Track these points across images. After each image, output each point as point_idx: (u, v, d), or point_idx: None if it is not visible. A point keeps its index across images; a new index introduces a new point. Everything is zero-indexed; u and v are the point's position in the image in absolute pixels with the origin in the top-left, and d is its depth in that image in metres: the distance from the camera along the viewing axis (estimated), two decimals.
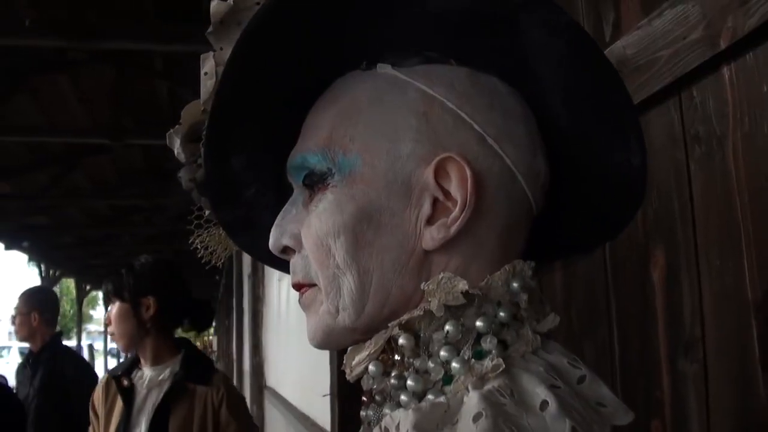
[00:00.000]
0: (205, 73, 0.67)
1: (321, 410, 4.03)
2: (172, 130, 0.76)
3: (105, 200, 13.92)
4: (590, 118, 0.64)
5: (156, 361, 2.30)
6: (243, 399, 2.53)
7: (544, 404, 0.53)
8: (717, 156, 0.93)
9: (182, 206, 16.29)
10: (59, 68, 7.69)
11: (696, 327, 0.97)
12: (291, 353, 5.99)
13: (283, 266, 0.75)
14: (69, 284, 28.84)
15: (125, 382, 2.29)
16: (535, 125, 0.64)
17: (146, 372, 2.30)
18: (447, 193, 0.59)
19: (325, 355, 3.31)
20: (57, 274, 19.95)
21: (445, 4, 0.60)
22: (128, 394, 2.26)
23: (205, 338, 38.37)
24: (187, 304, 2.43)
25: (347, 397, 2.96)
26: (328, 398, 3.26)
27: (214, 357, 31.70)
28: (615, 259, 1.17)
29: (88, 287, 22.95)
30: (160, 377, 2.28)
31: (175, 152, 0.78)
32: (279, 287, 6.94)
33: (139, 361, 2.34)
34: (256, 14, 0.58)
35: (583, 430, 0.53)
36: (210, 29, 0.65)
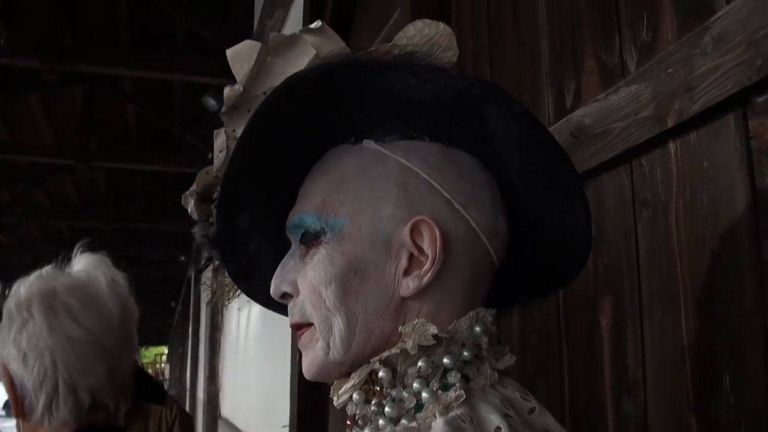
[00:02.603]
0: (221, 152, 0.77)
1: None
2: (187, 192, 0.85)
3: (65, 221, 13.81)
4: (543, 186, 0.76)
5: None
6: (192, 418, 2.64)
7: (498, 430, 0.64)
8: (661, 220, 1.05)
9: (141, 232, 16.15)
10: (30, 88, 7.70)
11: (638, 370, 1.08)
12: (248, 384, 5.96)
13: (278, 308, 0.86)
14: None
15: None
16: (498, 192, 0.76)
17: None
18: (420, 249, 0.70)
19: (285, 386, 3.36)
20: None
21: (419, 96, 0.72)
22: None
23: (158, 366, 37.72)
24: None
25: (305, 429, 3.02)
26: (286, 430, 3.31)
27: (166, 385, 31.17)
28: (567, 306, 1.28)
29: None
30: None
31: (189, 211, 0.87)
32: (239, 317, 6.92)
33: None
34: (263, 102, 0.69)
35: None
36: (224, 110, 0.75)
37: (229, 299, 0.93)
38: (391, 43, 0.74)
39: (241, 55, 0.73)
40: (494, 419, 0.65)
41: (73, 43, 6.56)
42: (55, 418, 1.17)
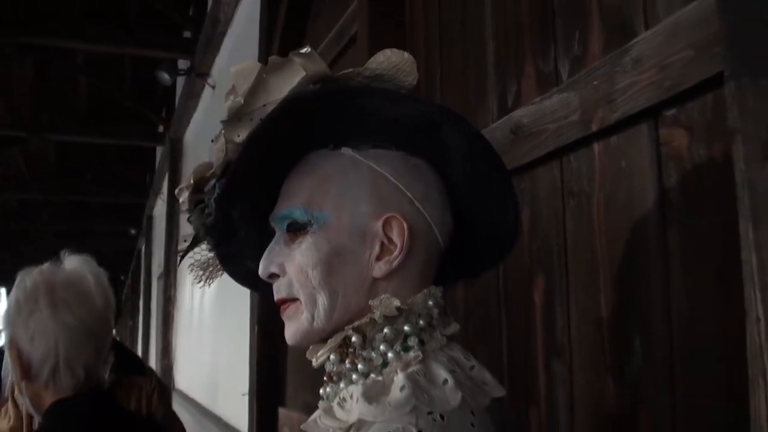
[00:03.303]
0: (221, 152, 0.92)
1: (235, 411, 4.20)
2: (183, 185, 0.99)
3: (15, 194, 13.63)
4: (482, 188, 0.94)
5: None
6: (169, 389, 2.79)
7: (445, 381, 0.81)
8: (585, 209, 1.23)
9: (92, 205, 15.97)
10: None
11: (565, 337, 1.27)
12: (203, 356, 6.05)
13: (254, 286, 1.03)
14: None
15: None
16: (445, 192, 0.93)
17: None
18: (390, 239, 0.87)
19: (243, 357, 3.51)
20: None
21: (392, 115, 0.89)
22: None
23: None
24: None
25: (264, 396, 3.18)
26: (243, 398, 3.46)
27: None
28: (506, 281, 1.46)
29: None
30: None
31: (180, 200, 1.01)
32: (192, 290, 6.99)
33: None
34: (268, 116, 0.85)
35: (470, 399, 0.82)
36: (226, 119, 0.90)
37: (213, 279, 1.05)
38: (364, 66, 0.90)
39: (243, 73, 0.88)
40: (443, 373, 0.83)
41: (27, 16, 6.49)
42: (57, 385, 1.47)
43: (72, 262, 1.59)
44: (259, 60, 3.22)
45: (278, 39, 3.32)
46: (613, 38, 1.20)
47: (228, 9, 5.28)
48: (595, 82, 1.19)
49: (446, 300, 0.93)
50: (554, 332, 1.30)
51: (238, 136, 0.88)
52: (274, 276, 0.91)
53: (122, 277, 23.10)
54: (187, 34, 7.26)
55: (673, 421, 1.02)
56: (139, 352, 14.53)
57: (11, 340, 1.49)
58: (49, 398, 1.47)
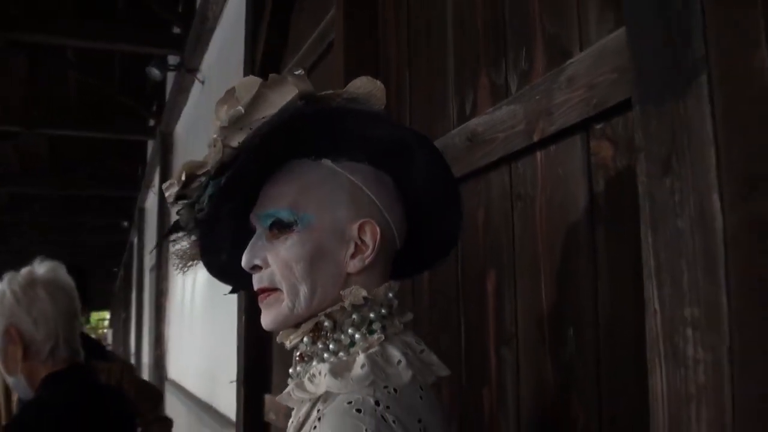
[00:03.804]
0: (218, 154, 1.03)
1: (224, 398, 4.34)
2: (174, 179, 1.11)
3: (6, 188, 13.68)
4: (436, 198, 1.08)
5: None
6: (135, 369, 3.02)
7: (399, 362, 0.96)
8: (530, 211, 1.37)
9: (83, 198, 15.99)
10: None
11: (513, 326, 1.41)
12: (194, 346, 6.19)
13: (225, 279, 1.16)
14: None
15: None
16: (402, 201, 1.07)
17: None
18: (363, 241, 1.01)
19: (231, 347, 3.64)
20: None
21: (370, 135, 1.02)
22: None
23: (100, 331, 37.45)
24: None
25: (251, 383, 3.32)
26: (232, 386, 3.60)
27: (109, 349, 30.99)
28: (463, 275, 1.60)
29: None
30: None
31: (167, 194, 1.13)
32: (183, 282, 7.11)
33: None
34: (267, 131, 0.97)
35: (419, 376, 0.97)
36: (225, 125, 1.02)
37: (189, 267, 1.17)
38: (344, 89, 1.04)
39: (245, 86, 1.01)
40: (397, 355, 0.97)
41: (19, 13, 6.58)
42: (55, 359, 1.88)
43: (46, 266, 1.99)
44: (245, 56, 3.34)
45: (264, 34, 3.43)
46: (554, 57, 1.34)
47: (216, 7, 5.40)
48: (537, 97, 1.32)
49: (414, 291, 1.07)
50: (504, 322, 1.44)
51: (237, 142, 1.01)
52: (256, 268, 1.04)
53: (115, 269, 23.19)
54: (176, 29, 7.36)
55: (598, 394, 1.17)
56: (132, 343, 14.65)
57: (10, 327, 1.82)
58: (44, 372, 1.85)
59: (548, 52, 1.36)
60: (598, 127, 1.20)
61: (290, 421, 1.02)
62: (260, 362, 3.28)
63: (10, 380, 1.92)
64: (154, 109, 10.24)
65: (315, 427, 0.89)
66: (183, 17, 7.01)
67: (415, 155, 1.05)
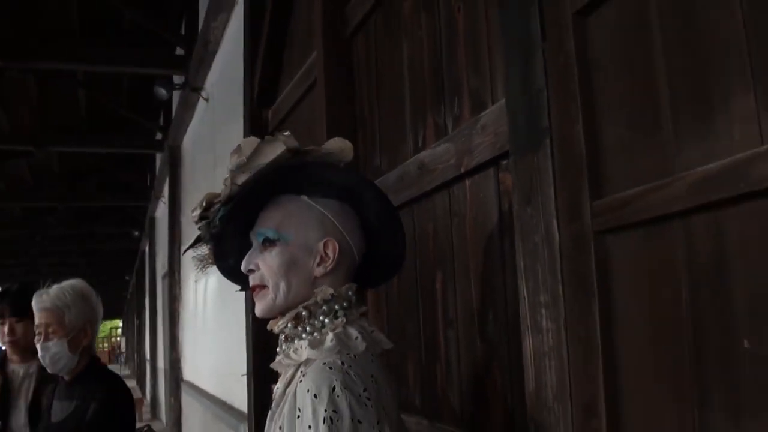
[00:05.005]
0: (228, 189, 1.44)
1: (238, 394, 4.75)
2: (197, 206, 1.53)
3: (20, 202, 14.10)
4: (384, 225, 1.49)
5: (25, 359, 3.15)
6: None
7: (356, 337, 1.36)
8: (462, 225, 1.79)
9: (94, 209, 16.29)
10: None
11: (454, 314, 1.83)
12: (207, 348, 6.59)
13: (233, 279, 1.59)
14: None
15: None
16: (360, 226, 1.48)
17: (16, 367, 3.18)
18: (326, 254, 1.41)
19: (241, 345, 4.06)
20: None
21: (335, 180, 1.43)
22: (6, 384, 3.15)
23: (113, 339, 37.94)
24: None
25: (262, 376, 3.72)
26: (244, 380, 4.01)
27: (122, 358, 31.35)
28: (421, 275, 2.03)
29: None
30: (30, 370, 3.16)
31: (192, 215, 1.56)
32: (195, 288, 7.50)
33: (5, 360, 3.20)
34: (262, 173, 1.38)
35: (371, 347, 1.37)
36: (233, 169, 1.43)
37: (207, 268, 1.61)
38: (322, 146, 1.46)
39: (248, 143, 1.41)
40: (355, 332, 1.38)
41: (30, 41, 6.97)
42: (89, 338, 2.63)
43: (73, 280, 2.71)
44: (244, 86, 3.74)
45: (260, 66, 3.85)
46: (476, 106, 1.75)
47: (217, 32, 5.83)
48: (462, 138, 1.74)
49: (360, 294, 1.49)
50: (448, 311, 1.86)
51: (241, 181, 1.43)
52: (251, 271, 1.45)
53: (126, 277, 23.60)
54: (179, 51, 7.78)
55: (509, 360, 1.58)
56: (147, 347, 15.04)
57: (62, 314, 2.58)
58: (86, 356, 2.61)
59: (471, 101, 1.78)
60: (504, 163, 1.62)
61: (277, 384, 1.44)
62: (267, 357, 3.70)
63: (56, 346, 2.54)
64: (161, 122, 10.67)
65: (300, 380, 1.30)
66: (185, 38, 7.41)
67: (363, 195, 1.47)
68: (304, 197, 1.45)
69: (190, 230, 8.06)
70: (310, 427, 1.19)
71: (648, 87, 1.12)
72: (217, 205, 1.49)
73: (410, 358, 2.07)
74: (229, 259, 1.59)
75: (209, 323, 6.56)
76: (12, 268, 21.17)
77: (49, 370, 2.60)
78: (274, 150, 1.42)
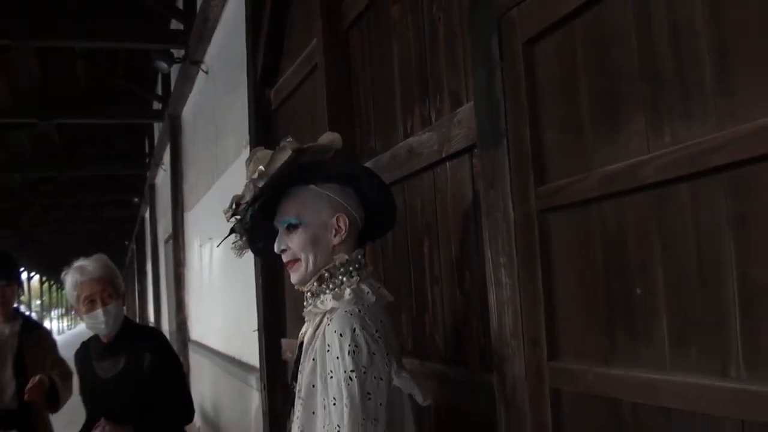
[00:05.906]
0: (250, 189, 1.84)
1: (247, 349, 5.14)
2: (228, 206, 1.92)
3: (18, 172, 14.33)
4: (380, 201, 1.89)
5: (7, 319, 3.76)
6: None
7: (368, 292, 1.76)
8: (444, 200, 2.18)
9: (94, 178, 16.48)
10: None
11: (438, 272, 2.23)
12: (214, 309, 6.98)
13: (265, 257, 1.99)
14: None
15: None
16: (359, 201, 1.86)
17: (2, 327, 3.74)
18: (339, 226, 1.80)
19: (251, 304, 4.47)
20: None
21: (339, 171, 1.82)
22: None
23: None
24: None
25: (270, 330, 4.14)
26: (254, 335, 4.41)
27: None
28: (410, 240, 2.42)
29: None
30: (14, 329, 3.74)
31: (226, 214, 1.94)
32: (201, 253, 7.87)
33: None
34: (278, 176, 1.77)
35: (379, 300, 1.77)
36: (255, 176, 1.81)
37: (243, 253, 2.07)
38: (317, 141, 1.84)
39: (264, 154, 1.80)
40: (366, 288, 1.77)
41: (29, 18, 7.21)
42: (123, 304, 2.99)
43: (92, 256, 3.04)
44: (248, 71, 4.11)
45: (262, 52, 4.19)
46: (454, 103, 2.13)
47: (216, 9, 6.13)
48: (443, 129, 2.12)
49: (375, 253, 1.88)
50: (434, 270, 2.26)
51: (261, 185, 1.80)
52: (283, 251, 1.84)
53: (126, 242, 23.92)
54: (174, 24, 8.04)
55: (480, 308, 1.98)
56: (151, 311, 15.41)
57: (120, 285, 3.03)
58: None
59: (450, 98, 2.15)
60: (476, 151, 2.00)
61: (303, 329, 1.84)
62: (275, 313, 4.10)
63: (115, 308, 2.94)
64: (159, 92, 10.94)
65: (328, 324, 1.68)
66: (183, 13, 7.69)
67: (361, 180, 1.85)
68: (313, 186, 1.83)
69: (192, 197, 8.44)
70: (338, 357, 1.60)
71: (574, 103, 1.51)
72: (244, 205, 1.86)
73: (404, 309, 2.47)
74: (258, 243, 1.98)
75: (216, 285, 6.95)
76: (10, 238, 21.46)
77: (105, 332, 2.96)
78: (284, 156, 1.78)
